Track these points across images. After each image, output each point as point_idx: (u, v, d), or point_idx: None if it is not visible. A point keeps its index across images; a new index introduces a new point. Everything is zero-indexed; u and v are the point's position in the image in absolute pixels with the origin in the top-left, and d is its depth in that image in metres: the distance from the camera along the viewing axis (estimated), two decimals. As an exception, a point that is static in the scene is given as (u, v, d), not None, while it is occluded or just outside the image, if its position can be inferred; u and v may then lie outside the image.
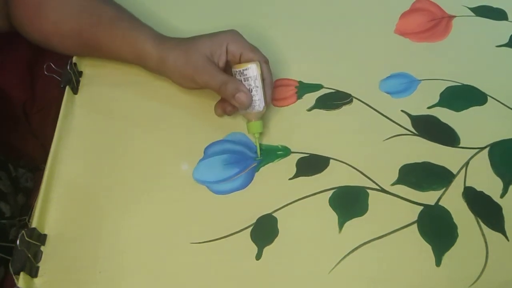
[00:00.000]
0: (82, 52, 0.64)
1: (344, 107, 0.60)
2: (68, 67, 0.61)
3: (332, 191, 0.53)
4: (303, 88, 0.62)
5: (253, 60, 0.56)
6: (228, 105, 0.57)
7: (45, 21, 0.60)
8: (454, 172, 0.54)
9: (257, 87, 0.55)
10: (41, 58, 0.74)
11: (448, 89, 0.62)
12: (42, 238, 0.50)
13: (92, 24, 0.59)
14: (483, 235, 0.49)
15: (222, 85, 0.54)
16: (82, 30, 0.59)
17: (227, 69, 0.57)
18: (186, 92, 0.61)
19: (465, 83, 0.62)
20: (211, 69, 0.55)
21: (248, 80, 0.55)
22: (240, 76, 0.55)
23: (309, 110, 0.60)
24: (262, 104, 0.56)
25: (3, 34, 0.64)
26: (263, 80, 0.56)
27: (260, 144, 0.57)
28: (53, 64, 0.61)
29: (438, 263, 0.48)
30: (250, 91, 0.55)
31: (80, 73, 0.64)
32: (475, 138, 0.57)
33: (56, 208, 0.53)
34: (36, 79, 0.78)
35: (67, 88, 0.61)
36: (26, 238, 0.48)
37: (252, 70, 0.55)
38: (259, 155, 0.56)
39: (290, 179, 0.54)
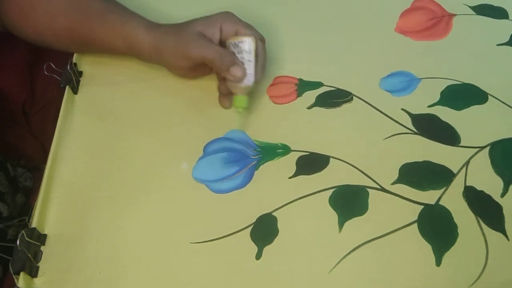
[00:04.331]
0: (78, 48, 0.64)
1: (344, 105, 0.60)
2: (68, 67, 0.62)
3: (332, 190, 0.53)
4: (303, 86, 0.62)
5: (249, 35, 0.56)
6: (221, 83, 0.58)
7: (39, 19, 0.60)
8: (455, 171, 0.54)
9: (250, 61, 0.55)
10: (41, 58, 0.74)
11: (449, 87, 0.62)
12: (42, 238, 0.50)
13: (82, 18, 0.59)
14: (483, 235, 0.49)
15: (217, 56, 0.54)
16: (73, 25, 0.60)
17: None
18: (186, 91, 0.61)
19: (465, 81, 0.62)
20: (204, 41, 0.55)
21: (241, 53, 0.55)
22: (234, 48, 0.56)
23: (309, 108, 0.60)
24: (252, 79, 0.56)
25: (2, 34, 0.64)
26: (256, 56, 0.56)
27: (259, 141, 0.57)
28: (53, 64, 0.61)
29: (438, 263, 0.48)
30: (243, 64, 0.55)
31: (80, 73, 0.64)
32: (475, 137, 0.57)
33: (56, 208, 0.53)
34: (35, 79, 0.78)
35: (67, 88, 0.61)
36: (26, 238, 0.48)
37: (247, 44, 0.55)
38: (241, 128, 0.57)
39: (290, 177, 0.54)
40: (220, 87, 0.59)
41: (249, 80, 0.55)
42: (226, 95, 0.58)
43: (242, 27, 0.57)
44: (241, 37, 0.56)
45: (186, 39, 0.56)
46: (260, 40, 0.57)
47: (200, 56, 0.56)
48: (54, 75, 0.61)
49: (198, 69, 0.59)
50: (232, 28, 0.56)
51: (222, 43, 0.57)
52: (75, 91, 0.62)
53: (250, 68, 0.55)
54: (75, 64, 0.64)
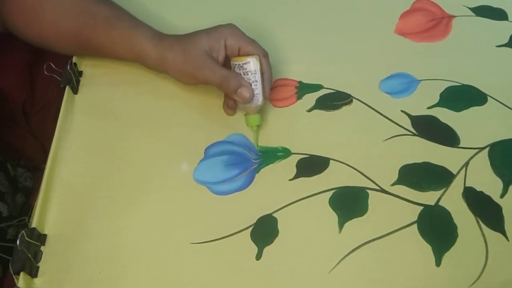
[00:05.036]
0: (81, 52, 0.64)
1: (344, 108, 0.60)
2: (68, 67, 0.62)
3: (332, 191, 0.53)
4: (303, 89, 0.62)
5: (252, 53, 0.56)
6: (229, 99, 0.58)
7: (42, 23, 0.60)
8: (454, 172, 0.54)
9: (257, 81, 0.55)
10: (41, 58, 0.74)
11: (448, 89, 0.62)
12: (42, 238, 0.50)
13: (88, 24, 0.59)
14: (483, 235, 0.49)
15: (224, 80, 0.54)
16: (79, 30, 0.59)
17: (227, 63, 0.58)
18: (187, 92, 0.61)
19: (465, 83, 0.62)
20: (211, 64, 0.55)
21: (247, 74, 0.55)
22: (240, 69, 0.55)
23: (309, 110, 0.60)
24: (261, 98, 0.56)
25: (2, 35, 0.64)
26: (262, 73, 0.56)
27: (259, 145, 0.57)
28: (53, 64, 0.61)
29: (438, 263, 0.48)
30: (249, 85, 0.55)
31: (80, 73, 0.64)
32: (475, 138, 0.57)
33: (56, 208, 0.53)
34: (36, 79, 0.78)
35: (67, 88, 0.61)
36: (26, 238, 0.48)
37: (251, 65, 0.55)
38: (256, 146, 0.57)
39: (290, 180, 0.54)
40: (227, 102, 0.58)
41: (258, 100, 0.56)
42: (230, 106, 0.58)
43: (245, 43, 0.56)
44: (245, 57, 0.55)
45: (193, 60, 0.56)
46: (264, 57, 0.57)
47: (206, 79, 0.56)
48: (54, 75, 0.61)
49: (202, 83, 0.59)
50: (236, 43, 0.56)
51: (226, 58, 0.57)
52: (75, 91, 0.62)
53: (257, 88, 0.55)
54: (75, 64, 0.64)
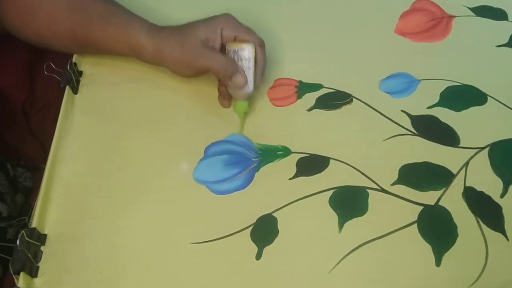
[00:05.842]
0: (79, 49, 0.64)
1: (344, 107, 0.60)
2: (68, 67, 0.62)
3: (332, 191, 0.53)
4: (303, 88, 0.62)
5: (249, 42, 0.56)
6: (222, 86, 0.58)
7: (40, 22, 0.60)
8: (454, 172, 0.54)
9: (249, 69, 0.56)
10: (41, 58, 0.74)
11: (448, 89, 0.62)
12: (42, 238, 0.50)
13: (84, 21, 0.59)
14: (483, 235, 0.49)
15: (221, 66, 0.55)
16: (75, 28, 0.60)
17: (222, 52, 0.58)
18: (187, 92, 0.61)
19: (465, 83, 0.62)
20: (208, 52, 0.56)
21: (241, 61, 0.56)
22: (234, 55, 0.56)
23: (309, 110, 0.60)
24: (251, 86, 0.57)
25: (2, 35, 0.64)
26: (255, 62, 0.57)
27: (259, 144, 0.57)
28: (53, 63, 0.61)
29: (438, 263, 0.48)
30: (243, 71, 0.56)
31: (80, 73, 0.64)
32: (475, 138, 0.57)
33: (56, 208, 0.53)
34: (35, 79, 0.78)
35: (67, 88, 0.61)
36: (26, 238, 0.48)
37: (246, 52, 0.56)
38: (241, 132, 0.58)
39: (290, 179, 0.54)
40: (220, 89, 0.59)
41: (249, 87, 0.56)
42: (225, 96, 0.59)
43: (242, 32, 0.57)
44: (240, 44, 0.56)
45: (191, 50, 0.56)
46: (259, 46, 0.57)
47: (206, 67, 0.56)
48: (54, 75, 0.61)
49: (199, 72, 0.59)
50: (232, 33, 0.57)
51: (222, 47, 0.58)
52: (75, 91, 0.62)
53: (249, 75, 0.56)
54: (75, 63, 0.64)
